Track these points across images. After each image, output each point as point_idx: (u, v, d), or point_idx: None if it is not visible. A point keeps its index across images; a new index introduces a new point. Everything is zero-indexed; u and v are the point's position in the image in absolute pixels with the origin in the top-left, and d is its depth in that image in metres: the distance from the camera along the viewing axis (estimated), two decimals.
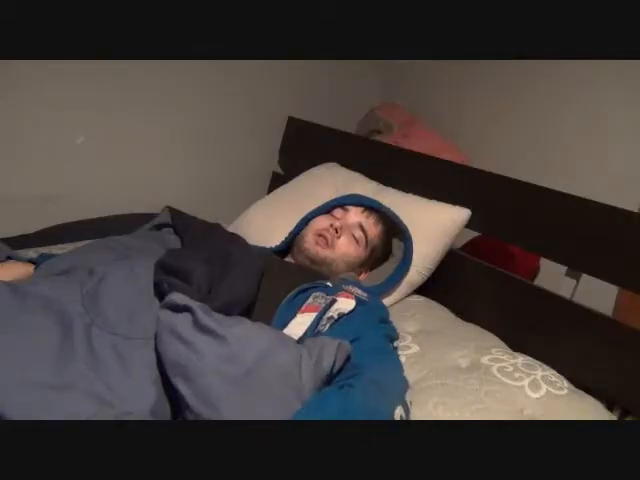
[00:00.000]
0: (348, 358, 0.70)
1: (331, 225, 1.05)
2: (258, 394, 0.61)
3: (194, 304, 0.66)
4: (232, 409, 0.60)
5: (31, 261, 0.93)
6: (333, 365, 0.66)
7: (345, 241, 1.05)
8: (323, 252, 1.03)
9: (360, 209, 1.11)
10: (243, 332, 0.67)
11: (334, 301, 0.84)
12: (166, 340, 0.65)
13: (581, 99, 1.49)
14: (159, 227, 1.13)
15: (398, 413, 0.68)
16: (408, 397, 0.73)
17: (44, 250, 1.10)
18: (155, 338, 0.68)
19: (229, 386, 0.61)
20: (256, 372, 0.62)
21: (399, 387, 0.74)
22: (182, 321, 0.65)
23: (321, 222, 1.08)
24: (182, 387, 0.62)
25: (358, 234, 1.06)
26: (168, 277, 0.76)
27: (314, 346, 0.67)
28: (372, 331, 0.82)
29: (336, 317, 0.82)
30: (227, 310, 0.73)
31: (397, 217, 1.13)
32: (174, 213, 1.14)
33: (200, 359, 0.62)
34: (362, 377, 0.68)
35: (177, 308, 0.67)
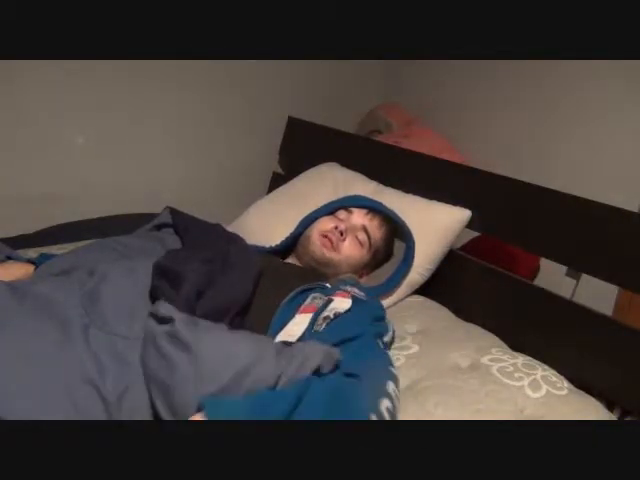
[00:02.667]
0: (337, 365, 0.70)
1: (336, 227, 1.05)
2: None
3: (177, 315, 0.66)
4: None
5: (31, 261, 0.93)
6: (317, 372, 0.65)
7: (349, 244, 1.05)
8: (329, 254, 1.03)
9: (364, 211, 1.11)
10: (221, 349, 0.65)
11: (330, 300, 0.84)
12: (148, 351, 0.66)
13: (582, 99, 1.49)
14: (159, 227, 1.13)
15: (384, 405, 0.67)
16: (392, 389, 0.72)
17: (44, 250, 1.10)
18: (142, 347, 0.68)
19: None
20: (231, 390, 0.62)
21: (382, 380, 0.73)
22: (162, 333, 0.65)
23: (325, 223, 1.08)
24: (158, 400, 0.62)
25: (362, 237, 1.06)
26: (160, 281, 0.76)
27: (299, 356, 0.66)
28: (362, 330, 0.81)
29: (332, 316, 0.82)
30: (221, 312, 0.73)
31: (400, 219, 1.12)
32: (174, 213, 1.14)
33: (175, 375, 0.62)
34: (339, 373, 0.68)
35: (162, 318, 0.67)
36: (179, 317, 0.66)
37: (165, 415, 0.61)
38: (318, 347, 0.68)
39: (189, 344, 0.63)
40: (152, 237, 1.06)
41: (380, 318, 0.90)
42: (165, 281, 0.76)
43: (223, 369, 0.63)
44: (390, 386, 0.72)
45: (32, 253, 1.06)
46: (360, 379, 0.68)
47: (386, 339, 0.89)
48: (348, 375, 0.68)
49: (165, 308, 0.67)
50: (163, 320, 0.67)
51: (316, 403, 0.60)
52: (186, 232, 1.07)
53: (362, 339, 0.80)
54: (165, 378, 0.62)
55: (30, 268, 0.90)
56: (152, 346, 0.65)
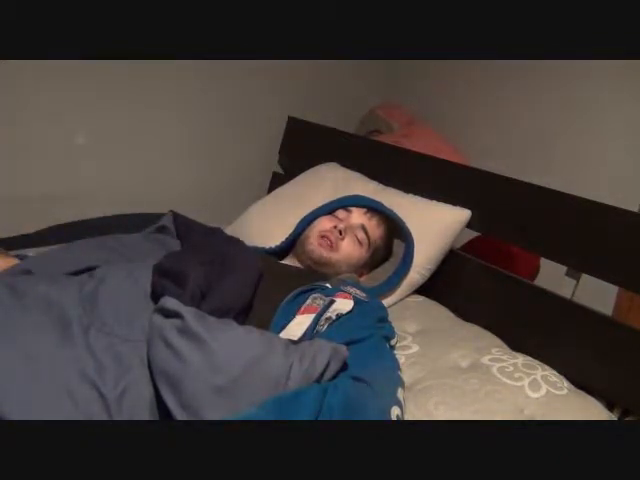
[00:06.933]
0: (345, 362, 0.69)
1: (335, 227, 1.05)
2: (243, 403, 0.60)
3: (184, 309, 0.66)
4: (215, 418, 0.59)
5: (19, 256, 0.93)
6: (325, 369, 0.65)
7: (348, 243, 1.05)
8: (328, 254, 1.03)
9: (363, 210, 1.11)
10: (231, 340, 0.65)
11: (332, 302, 0.84)
12: (155, 345, 0.65)
13: (581, 99, 1.49)
14: (161, 230, 1.13)
15: (395, 412, 0.68)
16: (401, 395, 0.73)
17: (44, 250, 1.10)
18: (148, 342, 0.67)
19: (213, 395, 0.60)
20: (242, 381, 0.61)
21: (392, 387, 0.73)
22: (171, 326, 0.65)
23: (324, 223, 1.08)
24: (167, 394, 0.62)
25: (361, 236, 1.06)
26: (163, 280, 0.76)
27: (309, 350, 0.66)
28: (369, 332, 0.81)
29: (334, 317, 0.82)
30: (222, 314, 0.72)
31: (399, 219, 1.12)
32: (176, 217, 1.14)
33: (185, 367, 0.62)
34: (348, 377, 0.68)
35: (168, 312, 0.67)
36: (187, 310, 0.66)
37: (175, 410, 0.60)
38: (325, 343, 0.68)
39: (200, 336, 0.63)
40: (153, 239, 1.06)
41: (383, 319, 0.91)
42: (168, 280, 0.76)
43: (234, 359, 0.63)
44: (399, 392, 0.73)
45: (32, 253, 1.06)
46: (371, 385, 0.68)
47: (392, 342, 0.89)
48: (357, 379, 0.68)
49: (172, 303, 0.67)
50: (169, 315, 0.67)
51: (332, 417, 0.60)
52: (187, 235, 1.07)
53: (370, 341, 0.80)
54: (175, 371, 0.62)
55: (12, 261, 0.89)
56: (160, 340, 0.64)
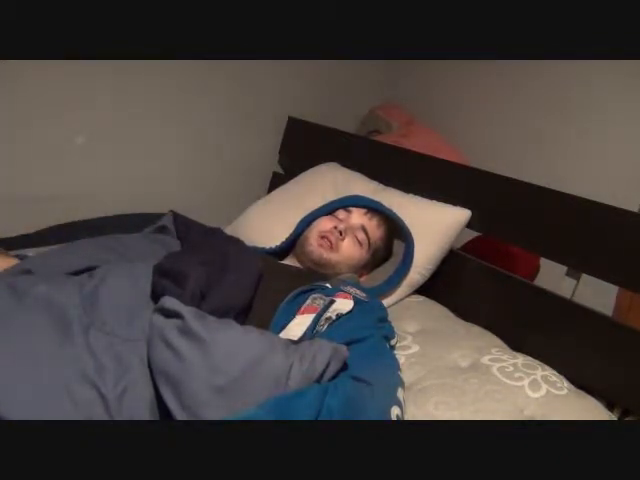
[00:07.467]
0: (345, 362, 0.69)
1: (335, 227, 1.05)
2: (243, 403, 0.60)
3: (184, 309, 0.66)
4: (215, 418, 0.59)
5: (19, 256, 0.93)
6: (325, 369, 0.65)
7: (348, 243, 1.05)
8: (327, 255, 1.03)
9: (363, 211, 1.11)
10: (232, 340, 0.65)
11: (332, 302, 0.84)
12: (155, 345, 0.65)
13: (581, 99, 1.49)
14: (162, 230, 1.13)
15: (394, 412, 0.68)
16: (401, 395, 0.73)
17: (44, 250, 1.10)
18: (148, 342, 0.67)
19: (213, 395, 0.60)
20: (242, 381, 0.61)
21: (392, 387, 0.73)
22: (171, 326, 0.65)
23: (324, 224, 1.08)
24: (167, 394, 0.62)
25: (361, 236, 1.06)
26: (163, 280, 0.76)
27: (309, 350, 0.66)
28: (369, 332, 0.81)
29: (334, 317, 0.82)
30: (222, 314, 0.72)
31: (399, 219, 1.12)
32: (176, 217, 1.14)
33: (185, 367, 0.62)
34: (348, 377, 0.68)
35: (168, 312, 0.67)
36: (187, 310, 0.66)
37: (175, 410, 0.61)
38: (326, 343, 0.68)
39: (201, 336, 0.63)
40: (154, 239, 1.06)
41: (383, 319, 0.91)
42: (169, 280, 0.76)
43: (234, 360, 0.63)
44: (399, 392, 0.73)
45: (32, 253, 1.06)
46: (371, 385, 0.68)
47: (392, 342, 0.89)
48: (358, 379, 0.68)
49: (172, 303, 0.67)
50: (170, 315, 0.67)
51: (332, 417, 0.60)
52: (187, 235, 1.07)
53: (370, 341, 0.80)
54: (175, 371, 0.62)
55: (12, 261, 0.90)
56: (160, 340, 0.64)
